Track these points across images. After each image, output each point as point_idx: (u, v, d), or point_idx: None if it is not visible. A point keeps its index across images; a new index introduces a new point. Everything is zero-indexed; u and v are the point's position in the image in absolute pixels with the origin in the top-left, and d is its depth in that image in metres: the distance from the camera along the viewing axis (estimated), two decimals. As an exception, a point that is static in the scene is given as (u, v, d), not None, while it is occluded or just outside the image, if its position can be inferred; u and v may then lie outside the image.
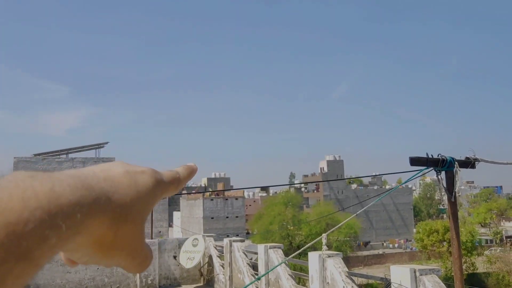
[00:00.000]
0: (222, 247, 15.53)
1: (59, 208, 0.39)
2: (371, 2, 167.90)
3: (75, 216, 0.40)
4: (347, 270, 8.98)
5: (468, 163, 5.09)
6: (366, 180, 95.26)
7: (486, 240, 70.14)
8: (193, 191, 75.26)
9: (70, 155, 40.59)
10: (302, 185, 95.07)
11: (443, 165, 4.80)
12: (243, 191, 77.82)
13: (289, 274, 10.98)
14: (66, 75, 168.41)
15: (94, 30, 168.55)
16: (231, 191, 77.29)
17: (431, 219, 77.60)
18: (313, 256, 9.70)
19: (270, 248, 12.19)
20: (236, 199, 64.83)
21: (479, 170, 5.37)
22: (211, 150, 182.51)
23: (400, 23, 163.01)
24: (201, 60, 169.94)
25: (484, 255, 52.19)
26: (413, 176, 5.02)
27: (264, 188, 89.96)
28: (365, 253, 72.65)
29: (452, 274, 5.27)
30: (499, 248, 57.36)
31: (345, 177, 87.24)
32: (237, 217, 64.46)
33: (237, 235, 52.62)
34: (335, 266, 9.08)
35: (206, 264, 16.68)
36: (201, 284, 16.73)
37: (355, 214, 6.73)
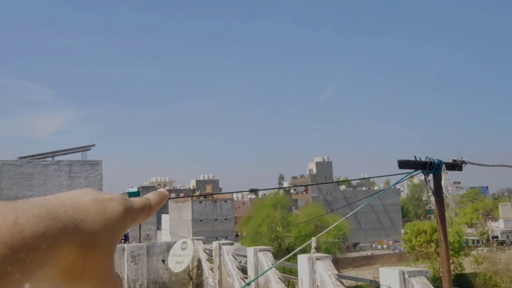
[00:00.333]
0: (211, 250, 15.47)
1: (23, 242, 0.38)
2: (359, 6, 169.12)
3: (40, 248, 0.39)
4: (336, 272, 8.99)
5: (455, 166, 5.14)
6: (354, 182, 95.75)
7: (473, 240, 70.93)
8: (182, 194, 74.95)
9: (56, 158, 40.16)
10: (292, 187, 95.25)
11: (430, 167, 4.84)
12: (232, 193, 77.73)
13: (278, 277, 10.97)
14: (51, 77, 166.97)
15: (80, 31, 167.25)
16: (221, 193, 77.14)
17: (419, 220, 78.25)
18: (302, 259, 9.69)
19: (259, 251, 12.16)
20: (225, 201, 64.70)
21: (465, 170, 5.44)
22: (200, 152, 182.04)
23: (387, 25, 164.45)
24: (188, 62, 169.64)
25: (471, 255, 52.74)
26: (401, 179, 5.05)
27: (253, 190, 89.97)
28: (354, 254, 72.99)
29: (440, 274, 5.31)
30: (486, 248, 57.99)
31: (334, 178, 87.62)
32: (226, 219, 64.31)
33: (226, 238, 52.56)
34: (325, 269, 9.09)
35: (195, 268, 16.60)
36: None
37: (344, 217, 6.75)
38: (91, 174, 36.48)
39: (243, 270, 13.41)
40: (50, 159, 38.70)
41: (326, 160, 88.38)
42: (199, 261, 16.37)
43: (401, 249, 70.23)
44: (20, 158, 38.31)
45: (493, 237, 70.95)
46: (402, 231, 73.37)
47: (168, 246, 17.00)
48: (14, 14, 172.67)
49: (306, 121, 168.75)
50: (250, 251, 12.46)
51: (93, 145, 42.95)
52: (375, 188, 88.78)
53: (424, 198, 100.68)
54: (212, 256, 15.32)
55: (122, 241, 31.73)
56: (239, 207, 77.51)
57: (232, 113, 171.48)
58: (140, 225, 27.10)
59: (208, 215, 63.08)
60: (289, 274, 13.19)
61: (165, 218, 68.52)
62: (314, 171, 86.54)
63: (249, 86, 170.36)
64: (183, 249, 16.34)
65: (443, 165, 4.88)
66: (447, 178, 5.04)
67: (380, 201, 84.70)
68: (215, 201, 63.92)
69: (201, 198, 63.86)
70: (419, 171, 4.86)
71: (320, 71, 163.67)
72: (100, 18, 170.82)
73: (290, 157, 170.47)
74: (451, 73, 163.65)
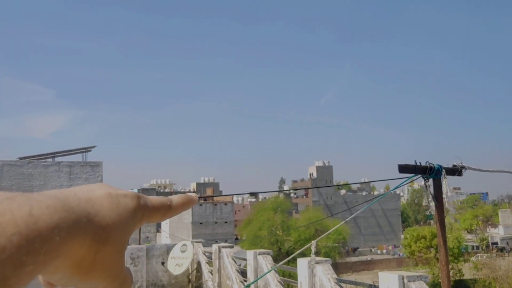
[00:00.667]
0: (211, 253, 15.48)
1: (37, 233, 0.39)
2: (360, 11, 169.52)
3: (53, 240, 0.40)
4: (336, 276, 9.00)
5: (455, 171, 5.17)
6: (354, 186, 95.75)
7: (473, 246, 70.83)
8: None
9: (56, 159, 40.23)
10: (291, 190, 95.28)
11: (430, 172, 4.86)
12: (232, 196, 77.72)
13: (278, 281, 10.98)
14: (51, 77, 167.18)
15: (80, 32, 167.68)
16: (221, 196, 77.14)
17: (419, 225, 78.15)
18: (302, 263, 9.70)
19: (259, 254, 12.18)
20: (225, 204, 64.68)
21: (465, 177, 5.47)
22: (200, 154, 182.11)
23: (387, 30, 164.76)
24: (189, 63, 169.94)
25: (470, 261, 52.68)
26: (401, 184, 5.08)
27: (254, 194, 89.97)
28: (354, 259, 72.91)
29: (440, 280, 5.32)
30: (485, 254, 57.91)
31: (334, 183, 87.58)
32: (226, 222, 64.28)
33: (226, 241, 52.50)
34: (324, 273, 9.10)
35: (195, 271, 16.60)
36: (189, 290, 16.65)
37: (344, 221, 6.77)
38: (91, 175, 36.60)
39: (243, 273, 13.42)
40: (50, 160, 38.79)
41: (326, 164, 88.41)
42: (199, 263, 16.38)
43: (401, 254, 70.15)
44: (21, 158, 38.40)
45: (492, 244, 70.82)
46: (402, 236, 73.31)
47: (168, 249, 17.01)
48: (14, 15, 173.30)
49: (306, 125, 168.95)
50: (249, 254, 12.48)
51: (93, 147, 42.95)
52: (375, 192, 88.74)
53: (424, 204, 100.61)
54: (211, 259, 15.33)
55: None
56: (239, 211, 77.49)
57: (233, 116, 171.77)
58: (141, 227, 27.19)
59: (208, 218, 63.05)
60: (288, 278, 13.17)
61: (164, 220, 68.44)
62: (315, 175, 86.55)
63: (250, 89, 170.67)
64: (182, 251, 16.35)
65: (443, 170, 4.90)
66: (447, 183, 5.07)
67: (380, 206, 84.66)
68: (215, 204, 63.91)
69: (201, 201, 63.84)
70: (419, 175, 4.89)
71: (320, 75, 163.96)
72: (100, 19, 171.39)
73: (290, 161, 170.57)
74: (449, 79, 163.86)
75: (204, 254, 16.30)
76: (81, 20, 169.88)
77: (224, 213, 64.23)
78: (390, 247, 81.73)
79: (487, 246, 69.67)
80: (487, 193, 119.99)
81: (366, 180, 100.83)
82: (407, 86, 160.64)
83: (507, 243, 71.04)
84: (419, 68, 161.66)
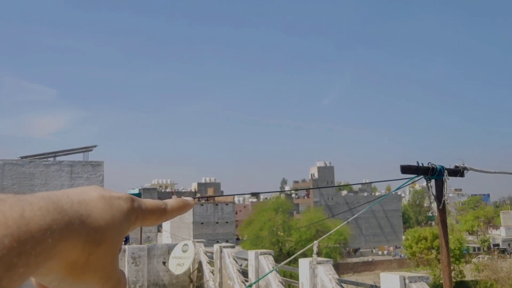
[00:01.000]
0: (212, 253, 15.48)
1: (29, 235, 0.38)
2: (361, 9, 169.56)
3: (46, 242, 0.40)
4: (337, 277, 9.01)
5: (457, 172, 5.17)
6: (356, 187, 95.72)
7: (474, 247, 70.73)
8: (182, 197, 74.88)
9: (58, 158, 40.25)
10: (293, 191, 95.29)
11: (433, 173, 4.86)
12: (233, 196, 77.74)
13: (279, 281, 10.98)
14: (53, 77, 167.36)
15: (82, 32, 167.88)
16: (222, 196, 77.14)
17: (420, 226, 78.11)
18: (303, 263, 9.71)
19: (260, 254, 12.19)
20: (226, 204, 64.66)
21: (467, 178, 5.47)
22: (201, 154, 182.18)
23: (389, 28, 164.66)
24: (191, 65, 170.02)
25: (472, 262, 52.61)
26: (403, 184, 5.08)
27: (255, 194, 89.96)
28: (355, 260, 72.87)
29: (441, 281, 5.31)
30: (487, 256, 57.83)
31: (335, 183, 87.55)
32: (227, 222, 64.27)
33: (227, 241, 52.51)
34: (326, 273, 9.10)
35: (196, 271, 16.61)
36: (191, 290, 16.66)
37: (345, 222, 6.77)
38: (92, 175, 36.56)
39: (244, 273, 13.43)
40: (51, 159, 38.83)
41: (328, 165, 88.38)
42: (200, 263, 16.39)
43: (402, 255, 70.10)
44: (22, 157, 38.41)
45: (494, 245, 70.73)
46: (403, 237, 73.24)
47: (169, 248, 17.02)
48: (16, 14, 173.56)
49: (308, 126, 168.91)
50: (251, 254, 12.49)
51: (95, 146, 43.02)
52: (377, 193, 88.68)
53: (425, 205, 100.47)
54: (213, 259, 15.33)
55: (123, 242, 31.78)
56: (240, 211, 77.51)
57: (235, 116, 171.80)
58: (141, 227, 27.17)
59: (209, 218, 63.06)
60: (289, 278, 13.18)
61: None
62: (316, 175, 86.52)
63: (252, 90, 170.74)
64: (184, 251, 16.36)
65: (445, 171, 4.90)
66: (448, 185, 5.07)
67: (381, 207, 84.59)
68: (217, 204, 63.90)
69: (202, 201, 63.86)
70: (421, 176, 4.89)
71: (322, 77, 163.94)
72: (102, 20, 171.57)
73: (292, 161, 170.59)
74: (451, 81, 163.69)
75: (206, 254, 16.31)
76: (83, 21, 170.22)
77: (225, 213, 64.23)
78: (391, 248, 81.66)
79: (489, 248, 69.58)
80: (488, 195, 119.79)
81: (368, 181, 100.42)
82: (408, 88, 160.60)
83: (509, 244, 70.93)
84: (420, 70, 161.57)
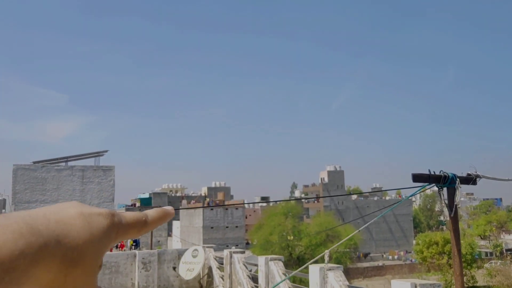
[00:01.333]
0: (222, 258, 15.49)
1: (0, 261, 0.38)
2: (370, 13, 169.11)
3: (18, 267, 0.39)
4: (348, 284, 8.97)
5: (470, 180, 5.13)
6: (366, 191, 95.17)
7: (486, 253, 69.84)
8: (193, 201, 75.14)
9: (69, 163, 40.68)
10: (303, 195, 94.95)
11: (444, 181, 4.83)
12: (243, 201, 77.70)
13: (289, 287, 10.96)
14: (65, 83, 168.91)
15: (94, 37, 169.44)
16: (232, 200, 77.20)
17: (431, 231, 77.32)
18: (314, 269, 9.68)
19: (270, 260, 12.18)
20: (236, 208, 64.68)
21: (479, 182, 5.42)
22: (211, 159, 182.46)
23: (399, 34, 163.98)
24: (200, 69, 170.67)
25: (484, 268, 51.95)
26: (415, 192, 5.06)
27: (264, 198, 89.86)
28: (365, 264, 72.35)
29: (453, 287, 5.26)
30: (499, 261, 57.08)
31: (345, 187, 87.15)
32: (237, 227, 64.27)
33: (237, 245, 52.46)
34: (336, 279, 9.07)
35: (206, 276, 16.62)
36: (201, 295, 16.66)
37: (357, 231, 6.75)
38: (103, 179, 36.90)
39: (254, 279, 13.41)
40: (63, 164, 39.23)
41: (338, 169, 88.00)
42: (210, 269, 16.40)
43: (413, 260, 69.46)
44: (34, 162, 38.87)
45: (507, 250, 69.77)
46: (414, 241, 72.58)
47: (179, 253, 17.07)
48: (30, 21, 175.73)
49: (318, 130, 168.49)
50: (261, 260, 12.48)
51: (106, 151, 43.45)
52: (387, 198, 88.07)
53: (436, 209, 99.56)
54: (223, 264, 15.34)
55: (133, 247, 31.93)
56: (250, 215, 77.40)
57: (245, 120, 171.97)
58: (152, 231, 27.33)
59: (219, 223, 63.10)
60: (299, 284, 13.14)
61: (176, 224, 68.71)
62: (326, 180, 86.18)
63: (262, 94, 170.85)
64: (194, 256, 16.39)
65: (457, 179, 4.87)
66: (460, 190, 5.03)
67: (392, 211, 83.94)
68: (226, 209, 63.96)
69: (212, 205, 63.97)
70: (433, 184, 4.85)
71: (332, 81, 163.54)
72: (113, 27, 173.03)
73: (302, 165, 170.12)
74: (464, 85, 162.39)
75: (215, 259, 16.32)
76: (94, 28, 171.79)
77: (235, 217, 64.25)
78: (401, 253, 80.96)
79: (501, 253, 68.66)
80: (501, 199, 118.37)
81: (378, 185, 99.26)
82: (417, 94, 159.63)
83: (522, 249, 69.97)
84: (429, 78, 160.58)
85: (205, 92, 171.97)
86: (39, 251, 0.41)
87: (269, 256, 12.46)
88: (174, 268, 16.85)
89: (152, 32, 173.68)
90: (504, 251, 69.36)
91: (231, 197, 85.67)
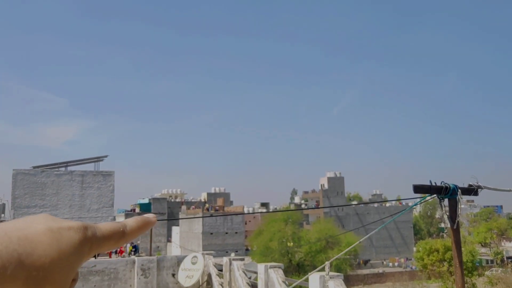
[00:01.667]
0: (222, 265, 15.42)
1: None
2: (371, 18, 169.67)
3: None
4: (348, 293, 8.90)
5: (471, 191, 5.09)
6: (366, 197, 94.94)
7: (487, 260, 69.61)
8: (192, 206, 74.98)
9: (69, 168, 40.67)
10: (302, 201, 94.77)
11: (446, 192, 4.79)
12: (243, 207, 77.55)
13: (289, 296, 10.89)
14: (65, 87, 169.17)
15: (94, 42, 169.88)
16: (232, 206, 77.05)
17: (432, 238, 77.13)
18: (314, 278, 9.62)
19: (270, 267, 12.11)
20: (236, 215, 64.57)
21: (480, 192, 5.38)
22: (211, 165, 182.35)
23: (400, 38, 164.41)
24: (201, 74, 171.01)
25: (484, 275, 51.73)
26: (416, 203, 5.02)
27: (264, 204, 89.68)
28: (365, 271, 72.07)
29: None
30: (500, 268, 56.83)
31: (345, 194, 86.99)
32: (236, 233, 64.12)
33: (237, 252, 52.30)
34: (336, 289, 9.00)
35: (205, 283, 16.53)
36: (200, 302, 16.56)
37: (359, 242, 6.71)
38: (103, 184, 36.85)
39: (253, 286, 13.34)
40: (63, 169, 39.20)
41: (338, 175, 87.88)
42: (209, 276, 16.31)
43: (413, 267, 69.21)
44: (34, 167, 38.85)
45: (507, 258, 69.49)
46: (414, 248, 72.36)
47: (179, 260, 17.00)
48: (29, 24, 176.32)
49: (318, 136, 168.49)
50: (260, 267, 12.41)
51: (106, 156, 43.41)
52: (387, 204, 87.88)
53: (437, 216, 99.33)
54: (222, 271, 15.27)
55: (133, 252, 31.79)
56: (249, 221, 77.23)
57: (244, 126, 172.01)
58: (151, 237, 27.16)
59: (218, 228, 62.95)
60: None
61: (175, 230, 68.54)
62: (326, 186, 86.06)
63: (261, 100, 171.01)
64: (193, 263, 16.31)
65: (459, 190, 4.83)
66: (460, 200, 4.99)
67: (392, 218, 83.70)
68: (226, 215, 63.89)
69: (212, 211, 63.84)
70: (434, 195, 4.82)
71: (333, 86, 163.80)
72: (113, 31, 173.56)
73: (302, 171, 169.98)
74: (464, 91, 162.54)
75: (215, 266, 16.25)
76: (95, 32, 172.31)
77: (235, 223, 64.10)
78: (402, 260, 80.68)
79: (502, 260, 68.41)
80: (501, 206, 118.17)
81: (378, 192, 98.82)
82: (418, 100, 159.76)
83: (523, 257, 69.69)
84: (430, 84, 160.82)
85: (205, 97, 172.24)
86: None
87: (269, 264, 12.40)
88: (173, 275, 16.77)
89: (152, 36, 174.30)
90: (505, 259, 69.09)
91: (231, 203, 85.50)
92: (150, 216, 0.57)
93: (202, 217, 59.14)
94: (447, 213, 4.84)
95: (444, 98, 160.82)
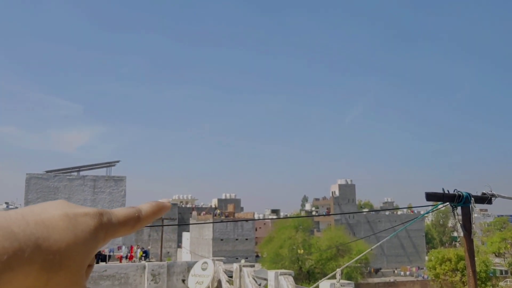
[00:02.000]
0: (232, 271, 15.39)
1: None
2: (383, 28, 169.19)
3: None
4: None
5: (485, 199, 5.02)
6: (377, 205, 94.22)
7: (501, 271, 68.45)
8: (203, 212, 75.06)
9: (81, 173, 41.06)
10: (313, 208, 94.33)
11: (459, 200, 4.73)
12: (253, 213, 77.41)
13: (299, 303, 10.81)
14: (80, 93, 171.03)
15: (109, 50, 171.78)
16: (242, 213, 76.96)
17: (444, 247, 76.16)
18: (325, 286, 9.55)
19: (280, 274, 12.04)
20: (246, 221, 64.45)
21: (494, 200, 5.31)
22: (222, 170, 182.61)
23: (413, 47, 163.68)
24: (213, 81, 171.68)
25: (499, 286, 50.90)
26: (428, 211, 4.96)
27: (275, 211, 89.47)
28: (376, 280, 71.35)
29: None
30: (515, 279, 55.86)
31: (356, 201, 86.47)
32: (246, 239, 63.96)
33: (247, 258, 52.13)
34: (347, 297, 8.92)
35: (215, 289, 16.50)
36: (209, 309, 16.52)
37: (370, 249, 6.65)
38: (115, 189, 37.13)
39: (263, 293, 13.27)
40: (75, 173, 39.56)
41: (349, 182, 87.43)
42: (219, 282, 16.28)
43: (425, 276, 68.34)
44: (47, 172, 39.26)
45: (522, 268, 68.31)
46: (426, 257, 71.48)
47: (189, 266, 17.00)
48: (46, 33, 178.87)
49: (330, 143, 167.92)
50: (271, 274, 12.36)
51: (117, 161, 43.74)
52: (399, 212, 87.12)
53: (449, 225, 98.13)
54: (232, 277, 15.23)
55: (143, 258, 31.87)
56: (260, 228, 77.06)
57: (256, 132, 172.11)
58: (161, 243, 27.22)
59: (229, 235, 62.86)
60: (309, 300, 12.97)
61: (186, 236, 68.62)
62: (337, 193, 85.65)
63: (273, 106, 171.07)
64: (203, 269, 16.30)
65: (472, 198, 4.77)
66: (473, 208, 4.92)
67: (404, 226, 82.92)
68: (236, 221, 63.81)
69: (223, 217, 63.82)
70: (447, 203, 4.76)
71: (346, 92, 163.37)
72: (127, 40, 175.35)
73: (313, 178, 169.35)
74: (480, 97, 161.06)
75: (225, 272, 16.22)
76: (109, 40, 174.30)
77: (245, 230, 63.96)
78: (414, 269, 79.75)
79: (516, 271, 67.22)
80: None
81: (389, 200, 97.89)
82: (434, 103, 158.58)
83: (537, 268, 68.37)
84: (447, 85, 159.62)
85: (218, 105, 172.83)
86: (13, 256, 0.39)
87: (279, 271, 12.34)
88: (183, 281, 16.77)
89: (166, 45, 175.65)
90: (520, 270, 67.89)
91: (241, 209, 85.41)
92: (165, 201, 0.57)
93: (213, 222, 59.31)
94: (460, 222, 4.78)
95: (459, 105, 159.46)
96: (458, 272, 46.53)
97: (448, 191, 4.76)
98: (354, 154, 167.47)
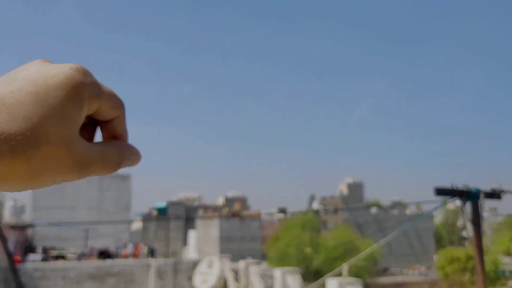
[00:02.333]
0: (238, 269, 15.32)
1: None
2: (389, 28, 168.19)
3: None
4: (365, 300, 8.70)
5: (494, 194, 4.89)
6: (386, 205, 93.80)
7: (511, 270, 67.85)
8: (210, 210, 75.19)
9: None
10: (321, 207, 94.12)
11: (468, 196, 4.61)
12: (260, 212, 77.29)
13: (305, 301, 10.72)
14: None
15: (113, 48, 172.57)
16: (249, 211, 76.96)
17: (453, 246, 75.59)
18: (332, 283, 9.44)
19: (287, 272, 11.97)
20: (253, 220, 64.44)
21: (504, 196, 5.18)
22: (229, 168, 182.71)
23: (423, 43, 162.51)
24: (220, 78, 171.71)
25: (508, 286, 50.41)
26: (437, 206, 4.84)
27: (282, 209, 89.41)
28: (385, 280, 70.99)
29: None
30: (525, 279, 55.27)
31: (365, 200, 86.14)
32: (253, 238, 63.93)
33: (253, 257, 52.08)
34: (354, 295, 8.81)
35: (221, 287, 16.46)
36: (215, 307, 16.48)
37: (378, 246, 6.52)
38: (120, 187, 37.21)
39: (270, 291, 13.19)
40: (83, 171, 39.80)
41: (357, 181, 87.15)
42: (226, 280, 16.23)
43: (434, 276, 67.96)
44: (55, 169, 39.54)
45: (532, 268, 67.68)
46: (435, 257, 71.05)
47: (195, 264, 16.96)
48: (51, 30, 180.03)
49: (338, 141, 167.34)
50: (278, 272, 12.28)
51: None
52: (407, 211, 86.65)
53: (459, 225, 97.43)
54: (238, 275, 15.16)
55: (150, 255, 31.91)
56: (266, 226, 77.00)
57: (262, 130, 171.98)
58: (168, 240, 27.19)
59: (235, 233, 62.84)
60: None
61: (192, 234, 68.78)
62: (345, 192, 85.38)
63: (279, 103, 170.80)
64: (209, 267, 16.25)
65: (481, 194, 4.64)
66: (482, 204, 4.79)
67: (412, 225, 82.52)
68: (243, 219, 63.80)
69: (229, 215, 63.81)
70: (455, 198, 4.64)
71: (354, 90, 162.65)
72: (133, 36, 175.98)
73: (321, 176, 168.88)
74: (487, 95, 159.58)
75: (232, 270, 16.15)
76: (114, 36, 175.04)
77: (252, 228, 63.91)
78: (422, 269, 79.28)
79: (527, 271, 66.61)
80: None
81: (398, 199, 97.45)
82: (442, 101, 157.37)
83: (548, 268, 67.69)
84: (454, 83, 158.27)
85: (224, 102, 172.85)
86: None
87: (286, 269, 12.26)
88: (189, 279, 16.71)
89: (172, 39, 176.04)
90: (530, 269, 67.25)
91: (248, 207, 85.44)
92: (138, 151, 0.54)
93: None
94: (469, 217, 4.66)
95: (470, 101, 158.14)
96: (467, 271, 46.15)
97: (457, 186, 4.63)
98: (363, 152, 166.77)
